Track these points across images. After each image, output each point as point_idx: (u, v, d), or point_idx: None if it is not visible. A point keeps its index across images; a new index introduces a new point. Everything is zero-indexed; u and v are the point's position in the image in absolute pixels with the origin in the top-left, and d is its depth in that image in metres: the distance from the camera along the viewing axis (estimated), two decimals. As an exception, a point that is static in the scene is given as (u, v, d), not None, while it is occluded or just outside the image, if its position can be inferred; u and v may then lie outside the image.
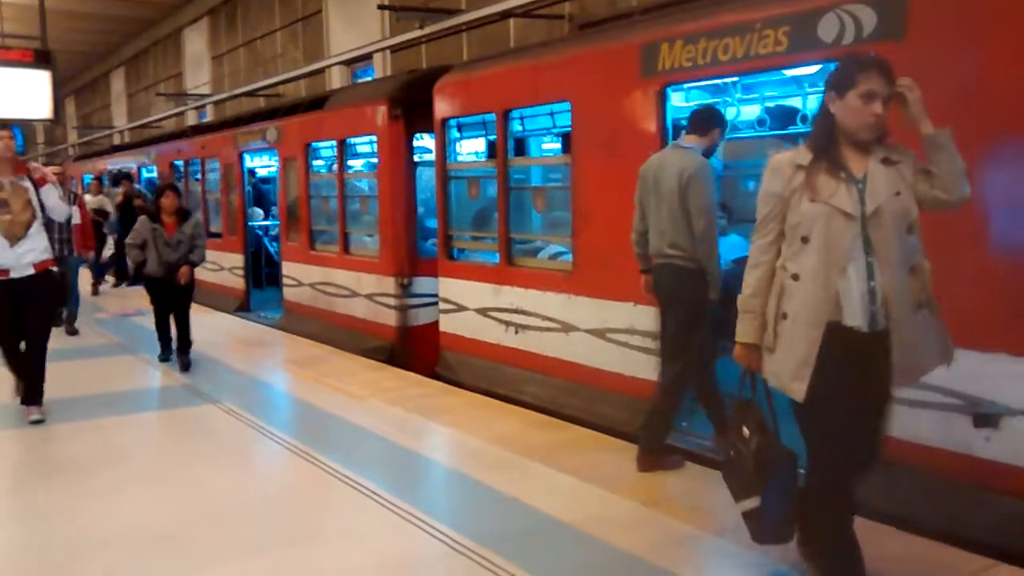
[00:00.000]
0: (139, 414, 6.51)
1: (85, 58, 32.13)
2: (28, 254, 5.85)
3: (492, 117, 7.07)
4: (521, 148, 7.48)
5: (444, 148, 7.68)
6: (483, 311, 7.23)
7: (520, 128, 7.07)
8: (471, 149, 8.33)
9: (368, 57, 15.18)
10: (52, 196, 6.00)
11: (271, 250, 12.55)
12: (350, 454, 5.30)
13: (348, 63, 15.56)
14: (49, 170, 7.06)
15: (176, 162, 14.87)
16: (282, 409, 6.83)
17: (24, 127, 22.76)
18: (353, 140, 9.32)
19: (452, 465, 5.20)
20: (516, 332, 6.85)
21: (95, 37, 28.22)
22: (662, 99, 5.53)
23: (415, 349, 8.47)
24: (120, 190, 14.32)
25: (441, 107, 7.62)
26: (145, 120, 25.46)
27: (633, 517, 4.22)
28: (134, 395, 7.11)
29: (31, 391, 6.17)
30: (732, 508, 3.52)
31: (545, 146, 8.01)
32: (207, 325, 10.05)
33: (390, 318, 8.69)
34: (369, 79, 14.17)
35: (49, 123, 11.53)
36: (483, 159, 8.11)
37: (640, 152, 5.60)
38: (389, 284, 8.67)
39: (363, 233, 9.53)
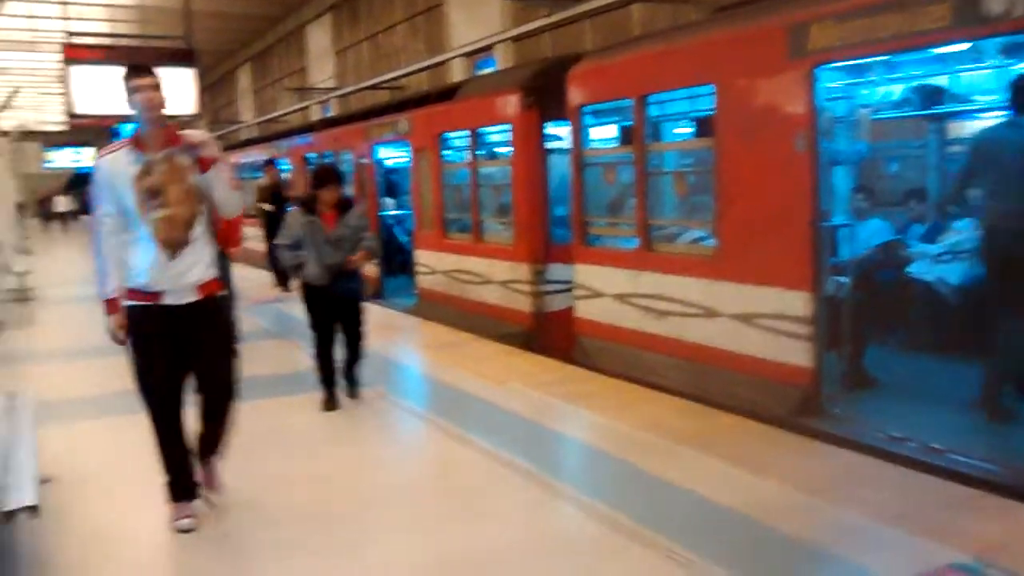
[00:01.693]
0: (291, 397, 6.78)
1: (213, 56, 33.53)
2: (191, 270, 3.98)
3: (628, 103, 7.08)
4: (653, 133, 7.46)
5: (579, 135, 7.73)
6: (621, 297, 7.26)
7: (657, 113, 7.06)
8: (604, 135, 8.33)
9: (489, 48, 15.39)
10: (221, 183, 4.03)
11: (401, 239, 12.88)
12: (500, 437, 5.43)
13: (471, 54, 15.80)
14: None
15: (309, 155, 15.39)
16: (429, 392, 7.02)
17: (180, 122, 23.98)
18: (486, 129, 9.46)
19: (601, 448, 5.25)
20: (656, 318, 6.86)
21: (223, 35, 29.41)
22: (811, 80, 5.43)
23: (550, 335, 8.57)
24: (263, 179, 13.25)
25: (576, 94, 7.67)
26: (272, 115, 26.42)
27: (792, 503, 4.20)
28: (286, 378, 7.42)
29: (185, 478, 4.19)
30: (897, 496, 3.47)
31: (677, 130, 7.95)
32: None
33: (524, 304, 8.82)
34: (496, 69, 14.31)
35: (194, 119, 12.08)
36: (617, 145, 8.11)
37: (788, 134, 5.53)
38: (523, 271, 8.79)
39: (496, 221, 9.69)
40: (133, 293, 3.97)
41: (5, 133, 24.17)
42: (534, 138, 8.52)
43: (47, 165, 35.98)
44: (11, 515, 3.21)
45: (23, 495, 3.33)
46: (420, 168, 10.90)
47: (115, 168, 3.88)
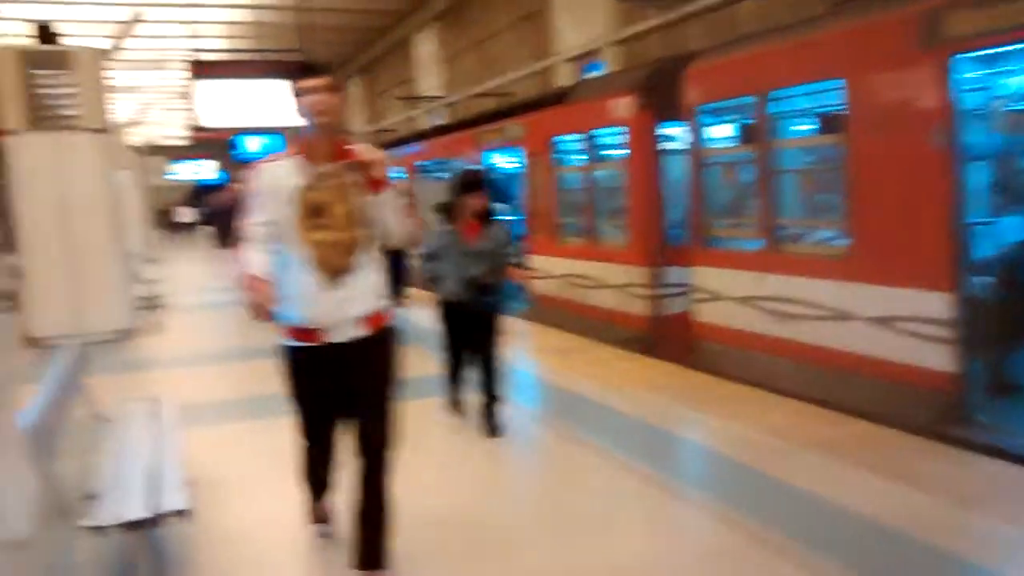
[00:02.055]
0: (421, 400, 6.83)
1: (323, 68, 34.38)
2: (355, 301, 3.43)
3: (750, 100, 6.90)
4: (775, 130, 7.25)
5: (697, 134, 7.58)
6: (743, 300, 7.08)
7: (780, 109, 6.86)
8: (721, 135, 8.14)
9: (596, 51, 15.31)
10: (391, 210, 3.45)
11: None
12: (624, 443, 5.35)
13: (577, 59, 15.76)
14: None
15: (419, 163, 15.62)
16: (550, 398, 6.94)
17: (285, 134, 24.77)
18: (599, 132, 9.40)
19: (732, 455, 5.11)
20: (781, 321, 6.66)
21: (333, 48, 30.16)
22: (946, 70, 5.17)
23: (667, 339, 8.44)
24: None
25: (693, 93, 7.53)
26: (382, 125, 26.96)
27: (944, 515, 3.99)
28: (413, 383, 7.49)
29: (373, 547, 3.57)
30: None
31: (799, 127, 7.71)
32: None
33: (640, 308, 8.71)
34: (605, 72, 14.23)
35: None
36: (737, 143, 7.91)
37: (923, 128, 5.29)
38: (639, 274, 8.68)
39: (610, 224, 9.60)
40: (290, 329, 3.51)
41: (134, 148, 25.35)
42: (649, 139, 8.41)
43: (170, 177, 37.62)
44: (162, 518, 3.30)
45: (174, 499, 3.43)
46: (533, 173, 10.91)
47: (277, 177, 3.43)
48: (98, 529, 3.23)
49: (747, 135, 7.43)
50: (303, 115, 3.42)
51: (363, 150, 3.42)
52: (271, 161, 3.54)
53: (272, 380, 7.53)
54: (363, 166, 3.36)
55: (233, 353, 9.27)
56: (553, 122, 10.25)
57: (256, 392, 7.35)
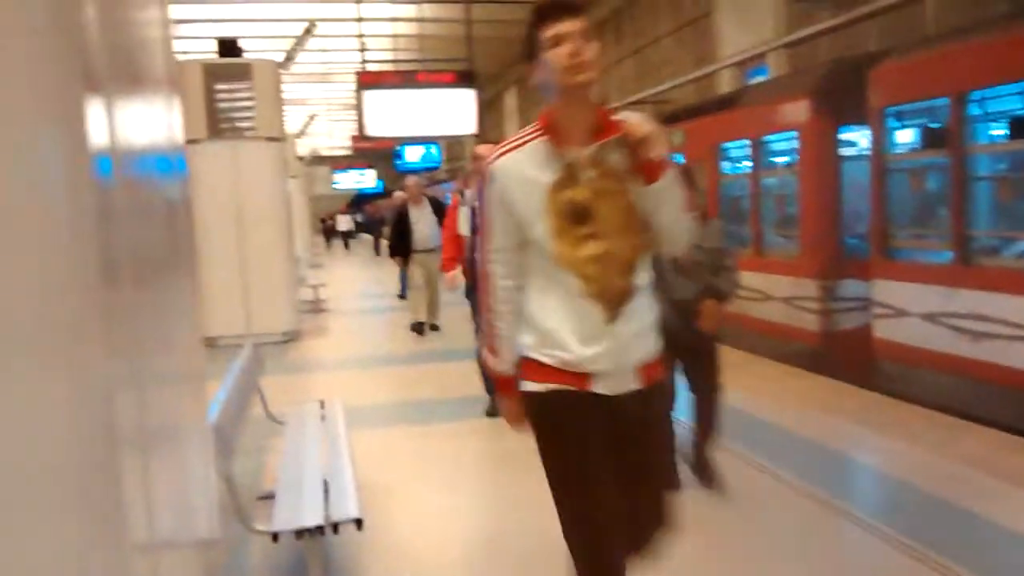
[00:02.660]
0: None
1: (482, 79, 34.97)
2: (637, 342, 2.45)
3: (943, 102, 6.40)
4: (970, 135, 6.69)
5: (881, 139, 7.11)
6: (930, 316, 6.57)
7: (977, 112, 6.33)
8: (907, 139, 7.62)
9: (762, 56, 14.77)
10: (673, 202, 2.40)
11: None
12: (801, 466, 5.01)
13: (742, 63, 15.26)
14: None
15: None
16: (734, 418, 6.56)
17: (442, 145, 25.25)
18: (769, 138, 9.01)
19: (928, 489, 4.69)
20: (974, 340, 6.12)
21: (491, 60, 30.59)
22: None
23: (840, 356, 7.96)
24: None
25: (879, 95, 7.06)
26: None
27: None
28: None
29: None
30: None
31: (997, 131, 7.11)
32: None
33: (810, 323, 8.26)
34: (771, 77, 13.71)
35: (473, 137, 12.53)
36: (926, 148, 7.37)
37: None
38: (810, 287, 8.24)
39: (778, 234, 9.18)
40: (545, 371, 2.44)
41: (300, 157, 26.49)
42: (825, 145, 7.97)
43: (334, 186, 39.16)
44: (336, 527, 3.27)
45: (348, 506, 3.40)
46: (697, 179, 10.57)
47: (518, 174, 2.39)
48: (273, 535, 3.23)
49: (938, 139, 6.90)
50: (545, 77, 2.35)
51: (631, 120, 2.36)
52: (509, 149, 2.41)
53: (430, 386, 7.71)
54: (634, 143, 2.33)
55: (393, 358, 9.41)
56: (718, 128, 9.91)
57: (417, 397, 7.42)
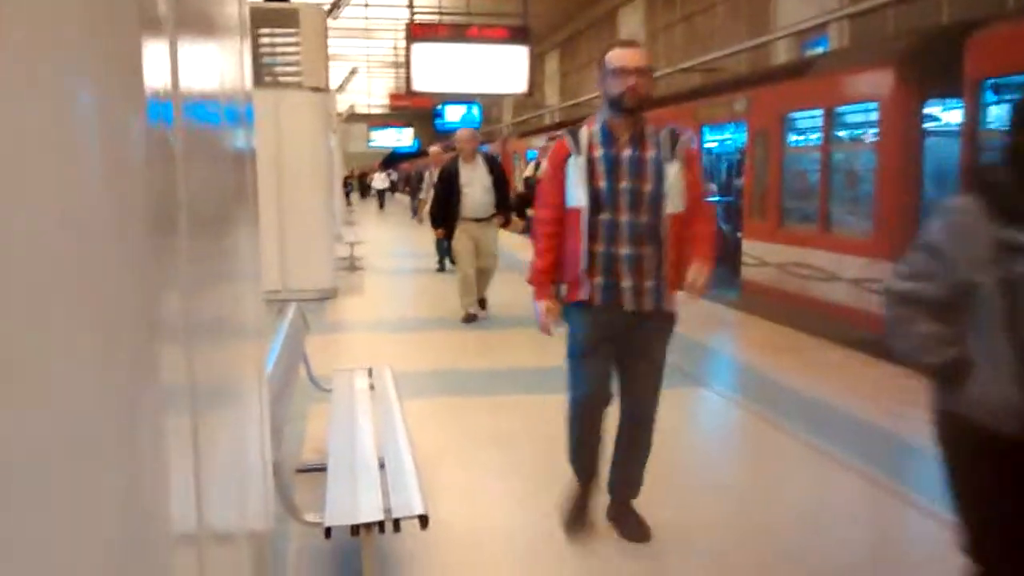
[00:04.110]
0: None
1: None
2: None
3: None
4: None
5: (977, 114, 6.58)
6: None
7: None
8: (1005, 115, 7.07)
9: (822, 26, 14.12)
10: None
11: (720, 227, 12.13)
12: (894, 467, 4.60)
13: (802, 33, 14.61)
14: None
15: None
16: (786, 400, 6.03)
17: (487, 105, 24.71)
18: (845, 109, 8.47)
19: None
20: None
21: (538, 20, 29.95)
22: None
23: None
24: None
25: (977, 65, 6.52)
26: (578, 99, 26.48)
27: None
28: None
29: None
30: None
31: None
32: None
33: (879, 306, 7.77)
34: (829, 48, 13.08)
35: (525, 97, 12.04)
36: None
37: None
38: (883, 268, 7.74)
39: (849, 211, 8.67)
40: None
41: (339, 114, 26.09)
42: (908, 118, 7.44)
43: (370, 145, 38.75)
44: (397, 523, 2.90)
45: (411, 500, 3.02)
46: (757, 151, 10.07)
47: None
48: (326, 530, 2.86)
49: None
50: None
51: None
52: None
53: (480, 354, 7.33)
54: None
55: (437, 321, 9.05)
56: (787, 97, 9.37)
57: (466, 365, 7.04)
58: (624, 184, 3.35)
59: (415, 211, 24.95)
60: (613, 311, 3.42)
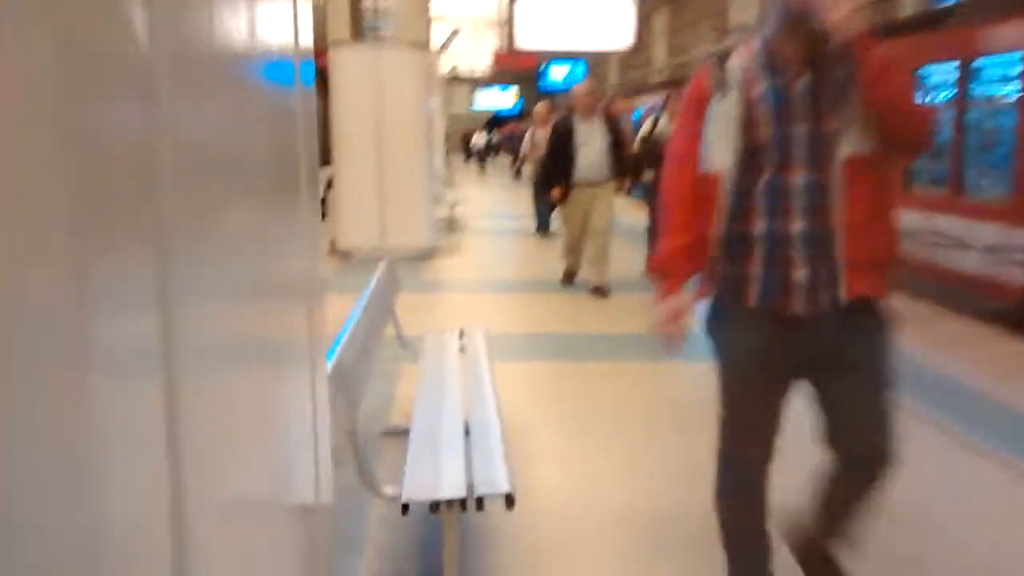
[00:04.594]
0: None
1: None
2: None
3: None
4: None
5: None
6: None
7: None
8: None
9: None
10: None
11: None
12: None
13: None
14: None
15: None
16: (929, 386, 5.18)
17: (592, 65, 24.14)
18: (984, 62, 7.72)
19: None
20: None
21: (643, -23, 29.10)
22: None
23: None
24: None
25: None
26: (687, 57, 25.61)
27: None
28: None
29: None
30: None
31: None
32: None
33: (1021, 277, 7.10)
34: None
35: (632, 54, 11.54)
36: None
37: None
38: (1019, 235, 7.06)
39: (987, 173, 7.93)
40: None
41: (441, 75, 25.94)
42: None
43: (474, 107, 38.59)
44: (481, 502, 2.64)
45: (496, 477, 2.75)
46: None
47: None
48: (404, 506, 2.62)
49: None
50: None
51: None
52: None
53: (582, 318, 7.03)
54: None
55: (535, 283, 8.78)
56: (920, 49, 8.63)
57: (566, 329, 6.76)
58: (799, 128, 2.27)
59: (518, 172, 24.63)
60: (780, 319, 2.34)
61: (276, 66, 1.53)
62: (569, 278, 8.35)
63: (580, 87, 7.94)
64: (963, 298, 7.62)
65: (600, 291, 7.80)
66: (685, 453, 4.07)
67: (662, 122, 7.95)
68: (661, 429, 4.50)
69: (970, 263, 7.70)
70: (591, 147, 7.61)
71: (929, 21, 8.75)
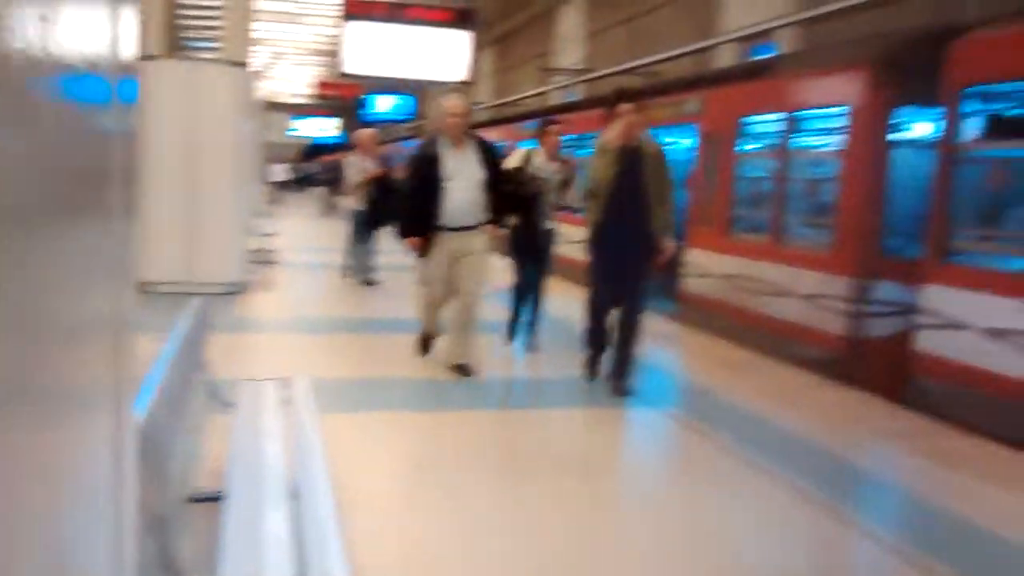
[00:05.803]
0: (563, 409, 5.66)
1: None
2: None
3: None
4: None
5: (956, 124, 6.15)
6: (999, 332, 5.65)
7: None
8: (989, 126, 6.55)
9: (769, 32, 13.83)
10: None
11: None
12: (862, 501, 4.09)
13: (749, 38, 14.30)
14: None
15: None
16: (749, 426, 5.39)
17: (418, 96, 23.84)
18: (808, 113, 8.00)
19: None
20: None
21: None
22: None
23: (866, 366, 7.03)
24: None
25: (961, 72, 6.09)
26: (512, 97, 25.90)
27: None
28: (559, 385, 6.32)
29: None
30: None
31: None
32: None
33: (835, 325, 7.31)
34: (776, 54, 12.72)
35: (465, 85, 11.33)
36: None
37: None
38: (839, 285, 7.28)
39: (806, 223, 8.20)
40: None
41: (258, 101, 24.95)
42: (879, 125, 6.98)
43: (290, 134, 37.38)
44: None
45: (331, 561, 2.31)
46: (707, 155, 9.56)
47: None
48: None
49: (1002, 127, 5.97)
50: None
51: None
52: None
53: (407, 361, 6.57)
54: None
55: (357, 322, 8.30)
56: (745, 98, 8.88)
57: (393, 373, 6.27)
58: None
59: (332, 206, 23.82)
60: None
61: (82, 81, 1.26)
62: (425, 345, 6.61)
63: (450, 102, 6.17)
64: (780, 344, 7.79)
65: (463, 370, 6.15)
66: (537, 509, 3.75)
67: (537, 158, 6.94)
68: (509, 476, 4.18)
69: (790, 311, 7.90)
70: (461, 182, 5.94)
71: (752, 72, 9.03)
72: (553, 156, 7.00)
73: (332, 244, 15.10)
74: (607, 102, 5.80)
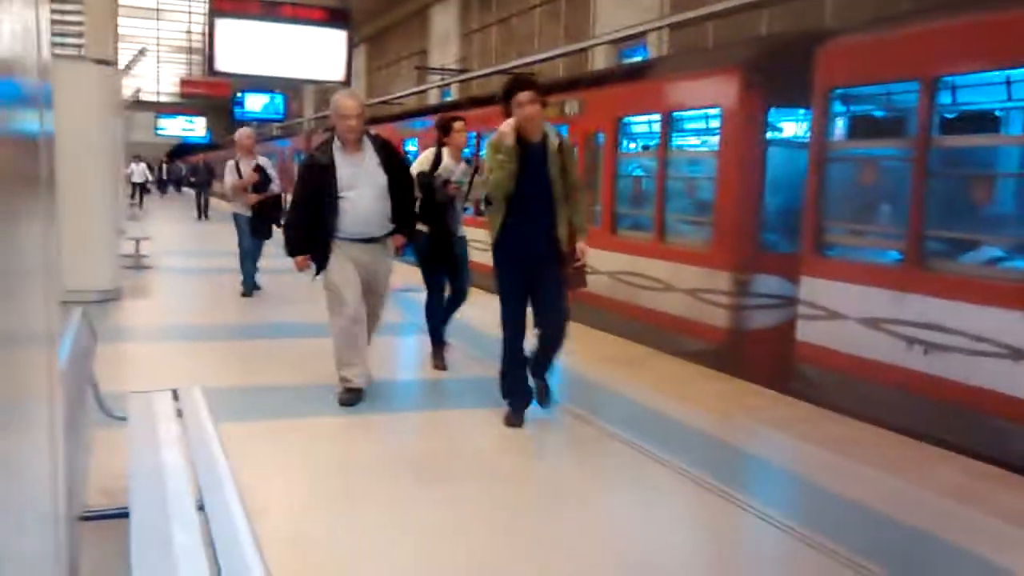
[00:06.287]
0: (471, 410, 5.68)
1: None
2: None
3: (908, 87, 5.80)
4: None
5: (824, 124, 6.48)
6: (872, 322, 5.99)
7: (954, 100, 5.77)
8: (856, 126, 6.90)
9: (642, 35, 14.22)
10: None
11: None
12: (755, 487, 4.27)
13: (621, 41, 14.65)
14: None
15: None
16: (641, 418, 5.51)
17: (290, 96, 23.27)
18: (685, 114, 8.26)
19: (903, 519, 4.01)
20: (926, 352, 5.57)
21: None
22: None
23: (748, 356, 7.33)
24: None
25: (827, 75, 6.42)
26: (386, 97, 25.69)
27: None
28: (455, 385, 6.33)
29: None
30: None
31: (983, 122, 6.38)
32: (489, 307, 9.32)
33: (717, 318, 7.60)
34: (650, 56, 13.10)
35: (342, 85, 11.14)
36: (886, 137, 6.66)
37: None
38: (720, 279, 7.57)
39: (686, 220, 8.47)
40: None
41: (124, 98, 23.85)
42: (752, 125, 7.29)
43: (159, 133, 35.93)
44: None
45: (251, 570, 2.25)
46: (589, 155, 9.74)
47: None
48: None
49: (897, 127, 6.32)
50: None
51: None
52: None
53: (297, 367, 6.42)
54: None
55: (241, 328, 8.06)
56: (624, 99, 9.10)
57: (285, 381, 6.12)
58: None
59: (202, 210, 23.09)
60: None
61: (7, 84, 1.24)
62: (351, 397, 5.58)
63: (343, 102, 5.43)
64: (666, 338, 8.02)
65: (355, 393, 5.55)
66: (453, 514, 3.75)
67: (447, 158, 6.42)
68: (413, 478, 4.16)
69: (675, 305, 8.15)
70: (361, 191, 5.37)
71: (631, 74, 9.26)
72: (459, 156, 6.51)
73: (206, 247, 14.66)
74: (502, 94, 5.07)
